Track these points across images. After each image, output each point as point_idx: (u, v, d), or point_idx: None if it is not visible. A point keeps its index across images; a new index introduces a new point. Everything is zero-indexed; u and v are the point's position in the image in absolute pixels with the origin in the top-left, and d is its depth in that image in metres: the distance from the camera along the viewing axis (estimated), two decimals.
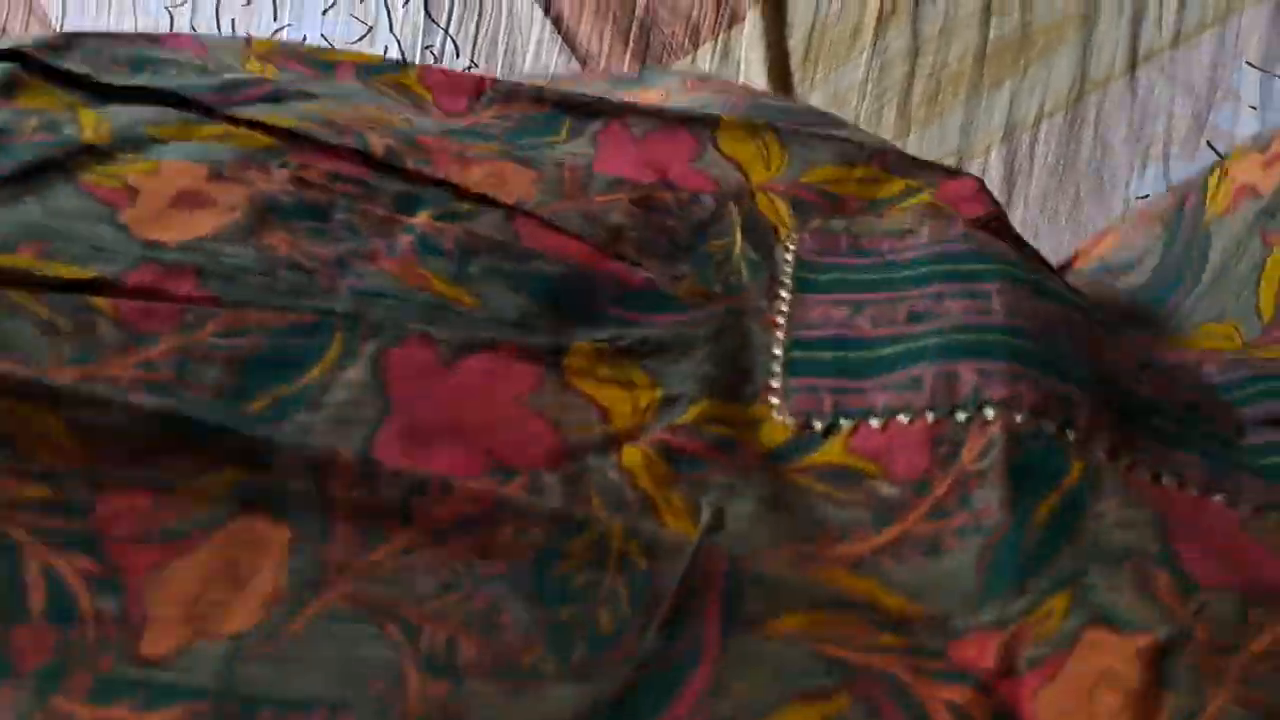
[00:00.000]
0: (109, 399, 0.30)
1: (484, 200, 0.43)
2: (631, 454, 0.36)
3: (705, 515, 0.34)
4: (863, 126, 0.85)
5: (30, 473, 0.29)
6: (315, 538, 0.29)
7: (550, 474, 0.34)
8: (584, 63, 0.96)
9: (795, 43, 0.92)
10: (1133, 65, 0.84)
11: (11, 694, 0.26)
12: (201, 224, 0.39)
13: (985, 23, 0.88)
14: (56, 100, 0.45)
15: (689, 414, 0.39)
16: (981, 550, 0.34)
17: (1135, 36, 0.84)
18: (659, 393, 0.40)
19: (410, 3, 0.99)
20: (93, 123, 0.43)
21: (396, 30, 1.00)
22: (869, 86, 0.89)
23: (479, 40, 0.98)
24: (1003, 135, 0.86)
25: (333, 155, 0.43)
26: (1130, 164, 0.84)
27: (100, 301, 0.33)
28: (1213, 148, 0.82)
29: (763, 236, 0.50)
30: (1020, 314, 0.41)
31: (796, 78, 0.91)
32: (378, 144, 0.44)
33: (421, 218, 0.43)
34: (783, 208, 0.52)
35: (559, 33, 0.96)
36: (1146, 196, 0.83)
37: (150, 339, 0.33)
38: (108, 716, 0.26)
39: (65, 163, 0.39)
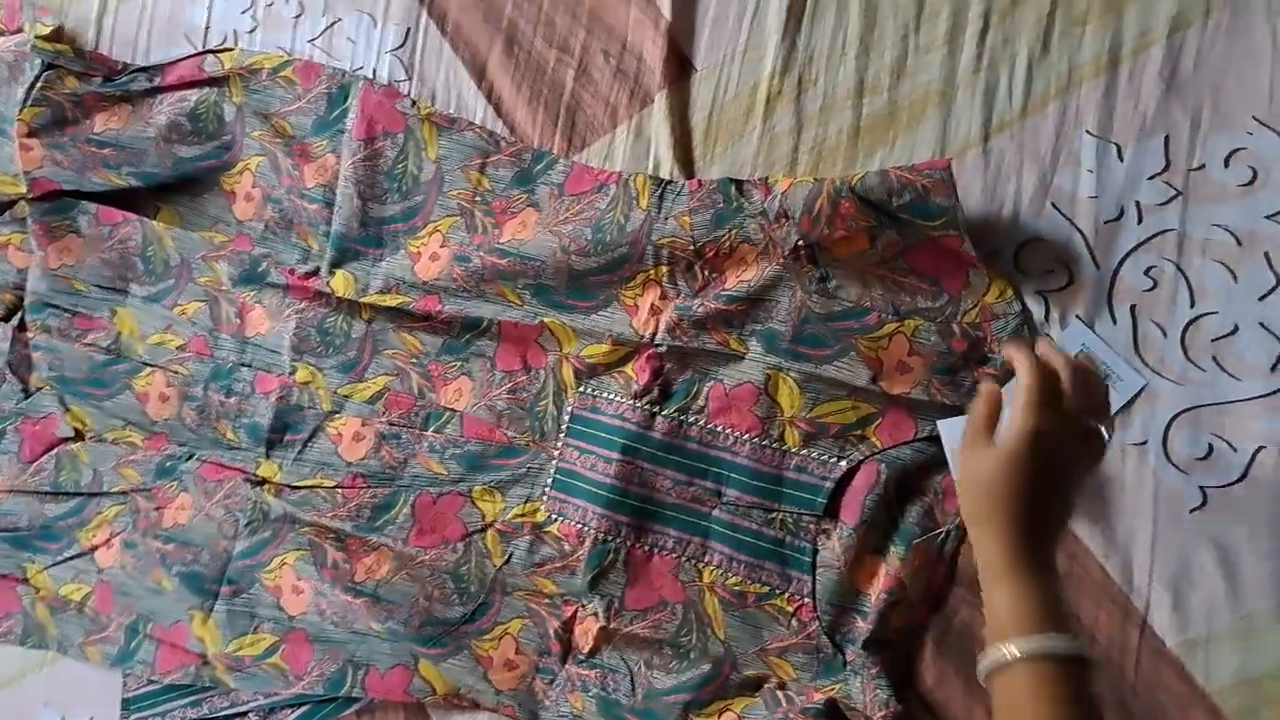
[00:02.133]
0: None
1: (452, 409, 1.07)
2: (490, 534, 1.03)
3: (508, 553, 1.04)
4: None
5: None
6: None
7: (460, 543, 1.05)
8: (521, 141, 1.06)
9: (697, 121, 1.02)
10: (986, 135, 0.92)
11: None
12: (358, 450, 1.12)
13: (859, 102, 0.96)
14: None
15: (512, 514, 1.03)
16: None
17: (988, 110, 0.92)
18: (502, 504, 1.05)
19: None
20: None
21: None
22: (760, 159, 0.99)
23: None
24: None
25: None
26: (984, 223, 0.91)
27: None
28: (1056, 208, 0.90)
29: (559, 396, 1.03)
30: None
31: (698, 152, 1.01)
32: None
33: (431, 432, 1.09)
34: (569, 373, 1.04)
35: (499, 116, 1.08)
36: (998, 252, 0.91)
37: (350, 500, 1.12)
38: None
39: None
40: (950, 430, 0.86)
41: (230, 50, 1.14)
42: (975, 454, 0.70)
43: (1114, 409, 0.87)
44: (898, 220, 0.89)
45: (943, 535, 0.90)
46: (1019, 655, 0.63)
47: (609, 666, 0.96)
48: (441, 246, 1.05)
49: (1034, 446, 0.66)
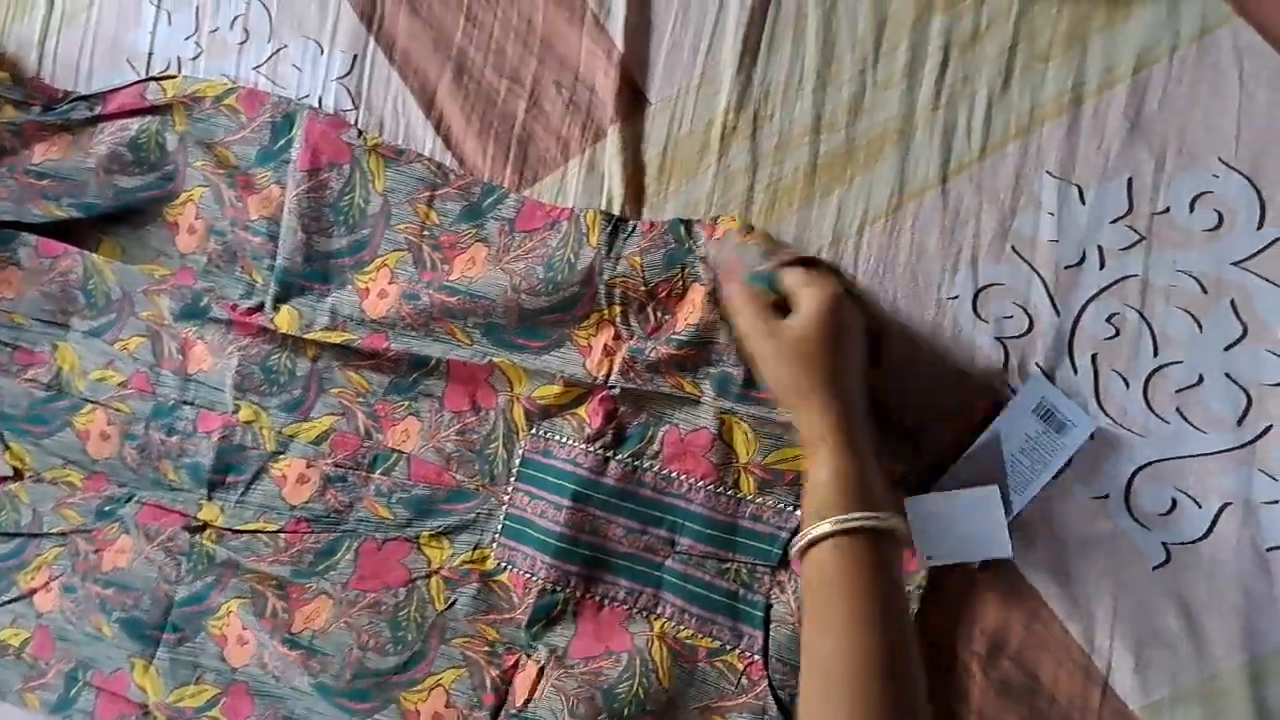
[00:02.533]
0: None
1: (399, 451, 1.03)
2: (434, 581, 1.00)
3: (451, 599, 1.00)
4: None
5: None
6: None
7: (402, 589, 1.02)
8: (471, 173, 1.03)
9: (651, 157, 0.98)
10: (944, 176, 0.89)
11: None
12: (303, 493, 1.07)
13: (815, 139, 0.93)
14: None
15: (459, 561, 1.01)
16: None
17: (947, 149, 0.89)
18: (449, 551, 1.02)
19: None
20: None
21: None
22: (715, 197, 0.96)
23: None
24: (831, 240, 0.92)
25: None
26: (943, 267, 0.88)
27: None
28: (1016, 251, 0.86)
29: (509, 439, 1.01)
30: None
31: (652, 189, 0.98)
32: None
33: (378, 475, 1.05)
34: (520, 415, 1.00)
35: (449, 147, 1.04)
36: (956, 297, 0.88)
37: (292, 545, 1.07)
38: None
39: None
40: (917, 508, 0.83)
41: (173, 78, 1.10)
42: (778, 329, 0.78)
43: (1070, 454, 0.84)
44: None
45: None
46: (831, 530, 0.70)
47: (540, 718, 0.92)
48: (390, 283, 1.02)
49: (837, 310, 0.77)
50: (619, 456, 0.95)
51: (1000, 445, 0.84)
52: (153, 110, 1.10)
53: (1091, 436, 0.83)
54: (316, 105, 1.07)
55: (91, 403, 1.11)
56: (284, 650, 0.98)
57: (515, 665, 0.95)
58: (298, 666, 0.97)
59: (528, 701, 0.93)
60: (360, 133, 1.05)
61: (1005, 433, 0.83)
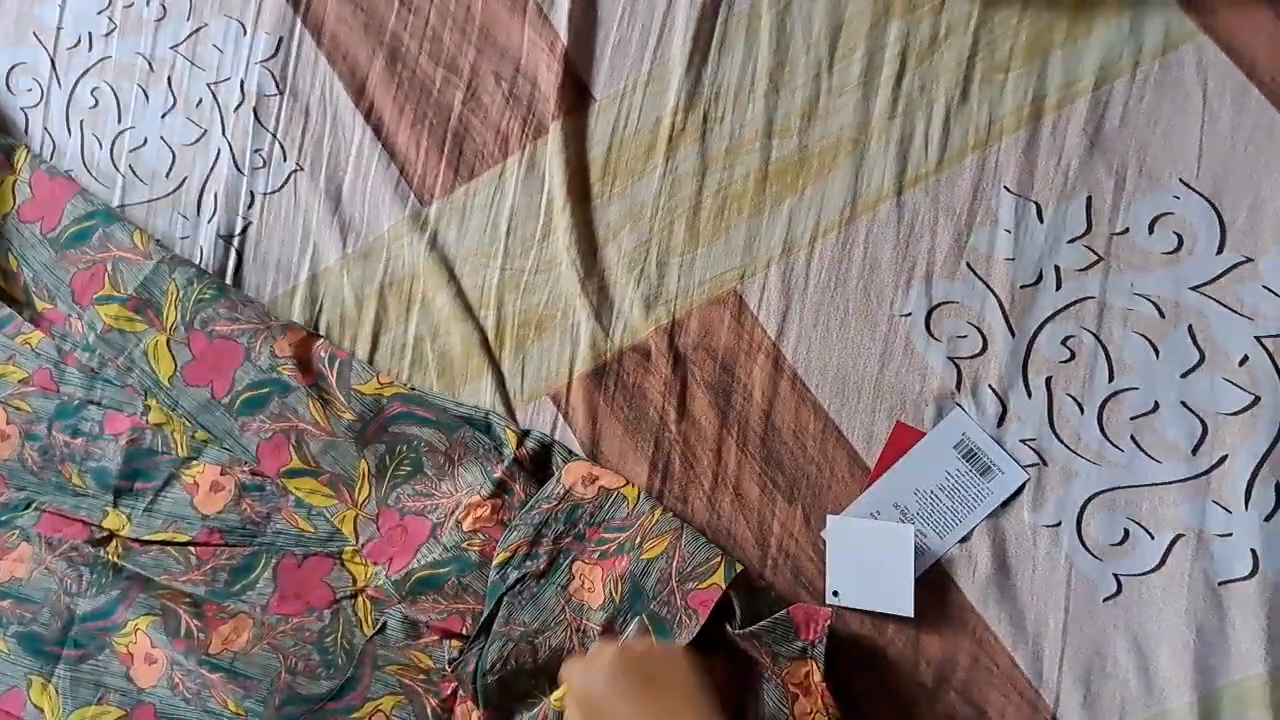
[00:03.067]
0: None
1: None
2: (360, 601, 0.92)
3: (380, 622, 0.92)
4: (653, 241, 0.87)
5: None
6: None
7: (326, 610, 0.93)
8: (403, 170, 0.97)
9: (595, 156, 0.94)
10: (900, 188, 0.85)
11: None
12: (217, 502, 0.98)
13: (767, 144, 0.89)
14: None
15: (382, 579, 0.94)
16: None
17: (903, 160, 0.86)
18: (374, 568, 0.94)
19: (241, 108, 1.02)
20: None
21: (228, 133, 1.02)
22: (662, 200, 0.91)
23: (304, 144, 1.01)
24: (781, 252, 0.88)
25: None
26: (895, 283, 0.85)
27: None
28: (971, 269, 0.83)
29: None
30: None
31: (595, 189, 0.93)
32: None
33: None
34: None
35: (379, 139, 0.98)
36: (909, 315, 0.84)
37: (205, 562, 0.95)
38: None
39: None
40: (835, 530, 0.79)
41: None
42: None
43: (994, 505, 0.82)
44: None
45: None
46: None
47: None
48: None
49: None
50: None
51: (915, 476, 0.81)
52: None
53: (1020, 490, 0.80)
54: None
55: None
56: (203, 672, 0.91)
57: (454, 694, 0.90)
58: (219, 687, 0.90)
59: None
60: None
61: (922, 466, 0.79)
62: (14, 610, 0.98)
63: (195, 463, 0.98)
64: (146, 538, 0.98)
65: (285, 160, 1.01)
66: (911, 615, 0.80)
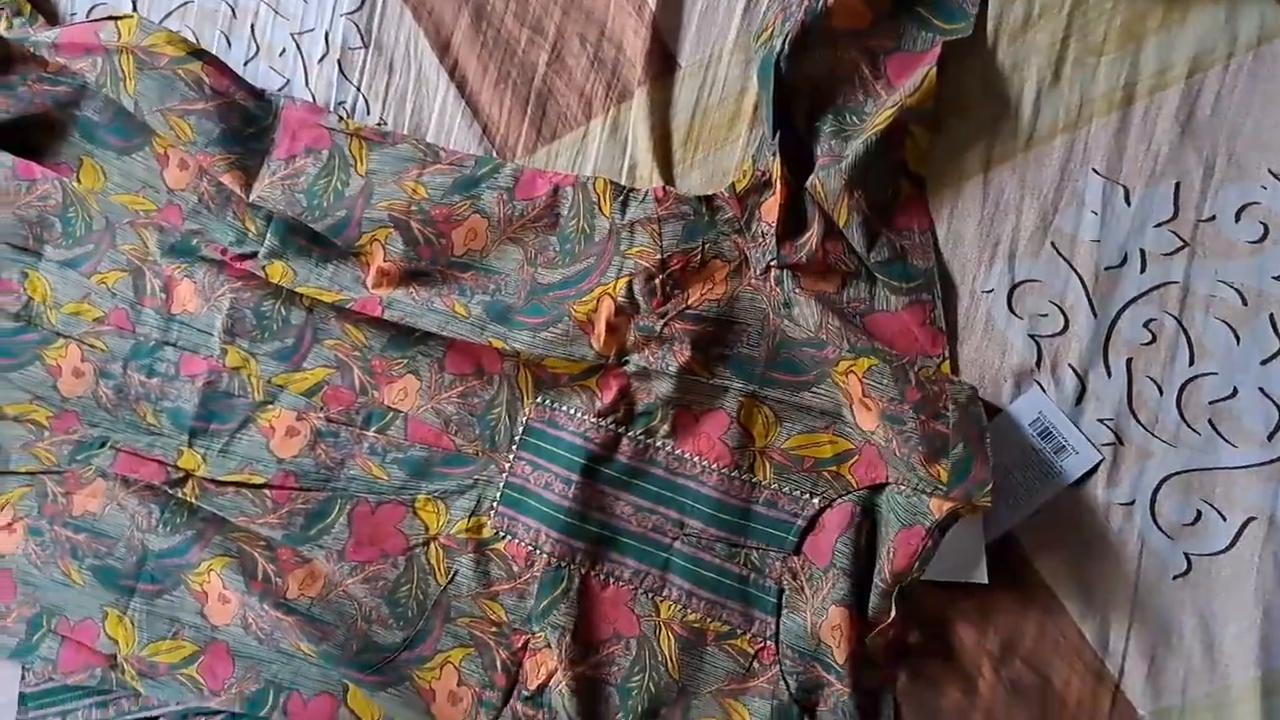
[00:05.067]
0: None
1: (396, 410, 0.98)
2: (433, 549, 0.95)
3: (452, 571, 0.95)
4: None
5: None
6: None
7: (400, 557, 0.96)
8: (485, 129, 0.97)
9: (679, 124, 0.94)
10: (987, 165, 0.85)
11: None
12: (292, 446, 0.99)
13: None
14: None
15: (457, 527, 0.95)
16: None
17: (991, 137, 0.86)
18: (446, 517, 0.96)
19: (325, 59, 1.01)
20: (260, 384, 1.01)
21: (312, 84, 1.01)
22: (743, 171, 0.91)
23: (388, 99, 1.01)
24: None
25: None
26: (978, 259, 0.85)
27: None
28: (1056, 249, 0.83)
29: (513, 406, 0.95)
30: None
31: (678, 156, 0.94)
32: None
33: (372, 433, 0.99)
34: (527, 381, 0.95)
35: (462, 97, 0.98)
36: (991, 291, 0.85)
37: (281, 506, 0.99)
38: None
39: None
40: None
41: (130, 18, 1.01)
42: None
43: (1067, 483, 0.84)
44: (872, 277, 0.86)
45: (895, 592, 0.83)
46: None
47: (554, 708, 0.88)
48: (386, 259, 0.95)
49: None
50: (631, 433, 0.91)
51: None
52: (105, 52, 1.00)
53: (1095, 467, 0.80)
54: (290, 95, 1.01)
55: (65, 337, 1.03)
56: (278, 614, 0.92)
57: (524, 646, 0.91)
58: (294, 630, 0.91)
59: (541, 687, 0.89)
60: (341, 118, 0.98)
61: (997, 441, 0.82)
62: (90, 544, 0.98)
63: (271, 407, 0.99)
64: (222, 478, 0.98)
65: (369, 114, 1.01)
66: (985, 583, 0.80)
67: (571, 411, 0.93)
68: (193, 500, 0.98)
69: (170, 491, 0.99)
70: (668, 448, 0.91)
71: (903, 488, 0.83)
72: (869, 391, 0.83)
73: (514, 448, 0.95)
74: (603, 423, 0.91)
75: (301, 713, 0.93)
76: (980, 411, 0.81)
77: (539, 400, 0.94)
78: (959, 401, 0.81)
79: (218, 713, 0.97)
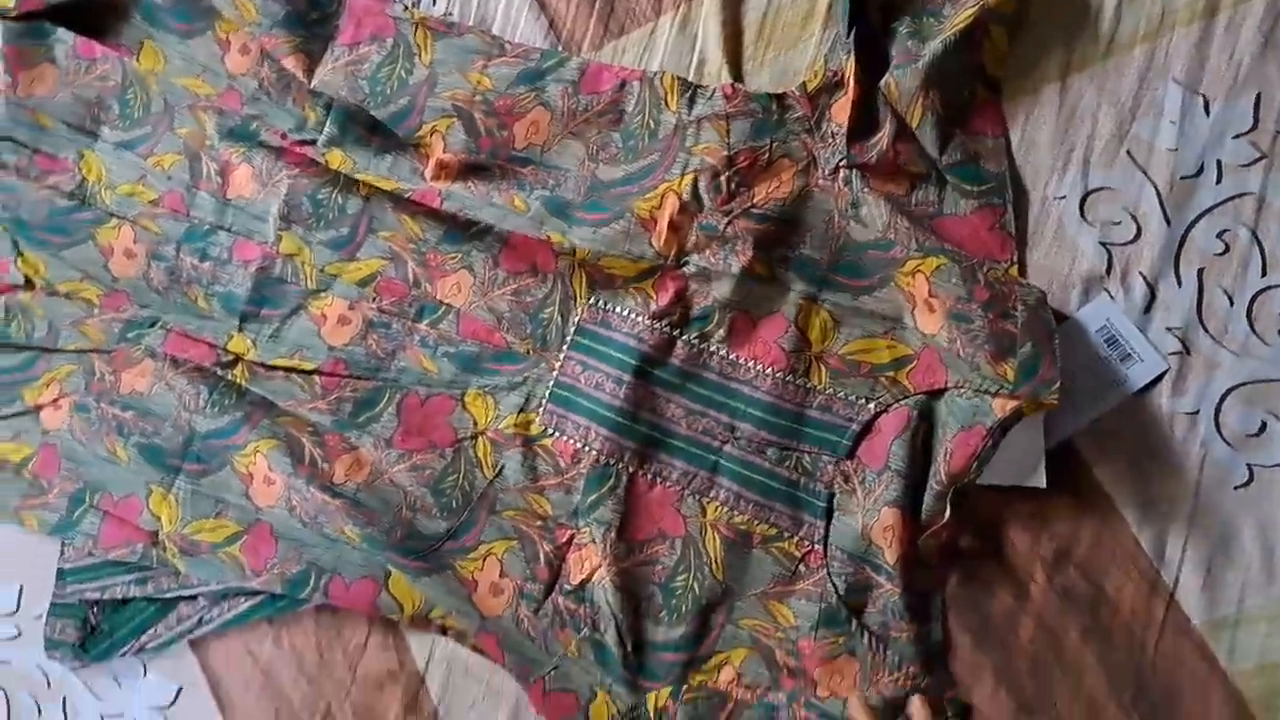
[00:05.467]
0: None
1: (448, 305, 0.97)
2: (481, 443, 0.94)
3: (499, 465, 0.95)
4: None
5: None
6: None
7: (448, 449, 0.95)
8: (552, 23, 0.97)
9: (750, 21, 0.94)
10: (1065, 71, 0.85)
11: None
12: (343, 335, 0.99)
13: None
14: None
15: (505, 423, 0.95)
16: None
17: (1070, 43, 0.85)
18: (495, 412, 0.96)
19: None
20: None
21: None
22: (816, 68, 0.90)
23: None
24: None
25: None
26: (1052, 166, 0.85)
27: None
28: (1131, 157, 0.83)
29: (566, 305, 0.95)
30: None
31: (748, 54, 0.94)
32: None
33: (424, 325, 0.98)
34: (581, 282, 0.95)
35: None
36: (1064, 198, 0.84)
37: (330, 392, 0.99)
38: None
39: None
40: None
41: None
42: None
43: (1132, 390, 0.84)
44: (941, 180, 0.87)
45: (950, 494, 0.84)
46: None
47: (596, 604, 0.87)
48: (445, 151, 0.95)
49: None
50: (685, 337, 0.90)
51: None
52: None
53: (1160, 376, 0.81)
54: None
55: (118, 218, 1.03)
56: (324, 498, 0.92)
57: (569, 541, 0.91)
58: (340, 514, 0.91)
59: (584, 582, 0.89)
60: (407, 6, 0.98)
61: (1063, 347, 0.82)
62: (136, 422, 0.98)
63: (323, 295, 0.99)
64: (272, 362, 0.97)
65: (434, 5, 1.00)
66: (1043, 486, 0.80)
67: (625, 313, 0.92)
68: (242, 383, 0.98)
69: (219, 373, 0.98)
70: (722, 352, 0.90)
71: (964, 391, 0.83)
72: (936, 290, 0.83)
73: (565, 347, 0.95)
74: (657, 325, 0.91)
75: (343, 595, 0.93)
76: (1049, 314, 0.81)
77: (592, 301, 0.94)
78: (1028, 303, 0.80)
79: (256, 594, 0.97)
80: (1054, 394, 0.78)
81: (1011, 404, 0.80)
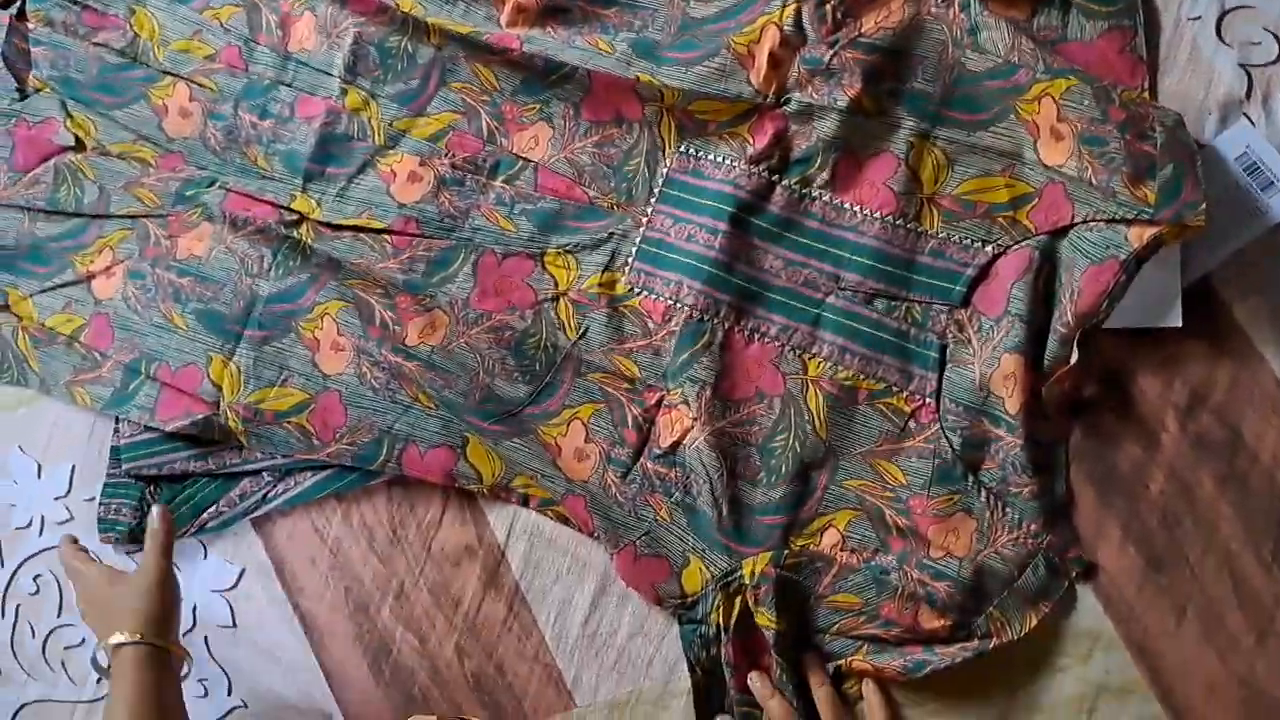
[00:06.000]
0: None
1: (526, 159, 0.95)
2: (563, 304, 0.92)
3: (583, 327, 0.91)
4: None
5: None
6: None
7: (528, 310, 0.93)
8: None
9: None
10: None
11: None
12: (414, 192, 0.96)
13: None
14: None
15: (589, 283, 0.92)
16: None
17: None
18: (577, 272, 0.93)
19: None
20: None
21: None
22: None
23: None
24: None
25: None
26: None
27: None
28: None
29: (653, 156, 0.92)
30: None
31: None
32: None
33: (499, 182, 0.95)
34: (670, 129, 0.91)
35: None
36: (1198, 18, 0.79)
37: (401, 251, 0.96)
38: None
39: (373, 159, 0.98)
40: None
41: None
42: None
43: (1274, 222, 0.80)
44: (1065, 4, 0.84)
45: (1077, 337, 0.81)
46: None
47: (689, 466, 0.83)
48: None
49: None
50: (785, 181, 0.86)
51: None
52: None
53: None
54: None
55: (172, 75, 1.00)
56: (397, 359, 0.92)
57: (658, 403, 0.87)
58: (415, 375, 0.92)
59: (675, 445, 0.85)
60: None
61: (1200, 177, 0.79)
62: (193, 288, 0.95)
63: (393, 151, 0.96)
64: (340, 222, 0.92)
65: None
66: (1179, 325, 0.75)
67: (719, 160, 0.89)
68: (308, 243, 0.93)
69: (284, 233, 0.94)
70: (825, 197, 0.86)
71: (1093, 225, 0.78)
72: (1065, 114, 0.78)
73: (653, 200, 0.92)
74: (755, 170, 0.87)
75: (418, 465, 0.90)
76: (1189, 136, 0.76)
77: (682, 149, 0.91)
78: (1165, 124, 0.77)
79: (323, 468, 0.93)
80: (1199, 215, 0.73)
81: (1150, 231, 0.76)
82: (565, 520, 0.91)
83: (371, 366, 0.93)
